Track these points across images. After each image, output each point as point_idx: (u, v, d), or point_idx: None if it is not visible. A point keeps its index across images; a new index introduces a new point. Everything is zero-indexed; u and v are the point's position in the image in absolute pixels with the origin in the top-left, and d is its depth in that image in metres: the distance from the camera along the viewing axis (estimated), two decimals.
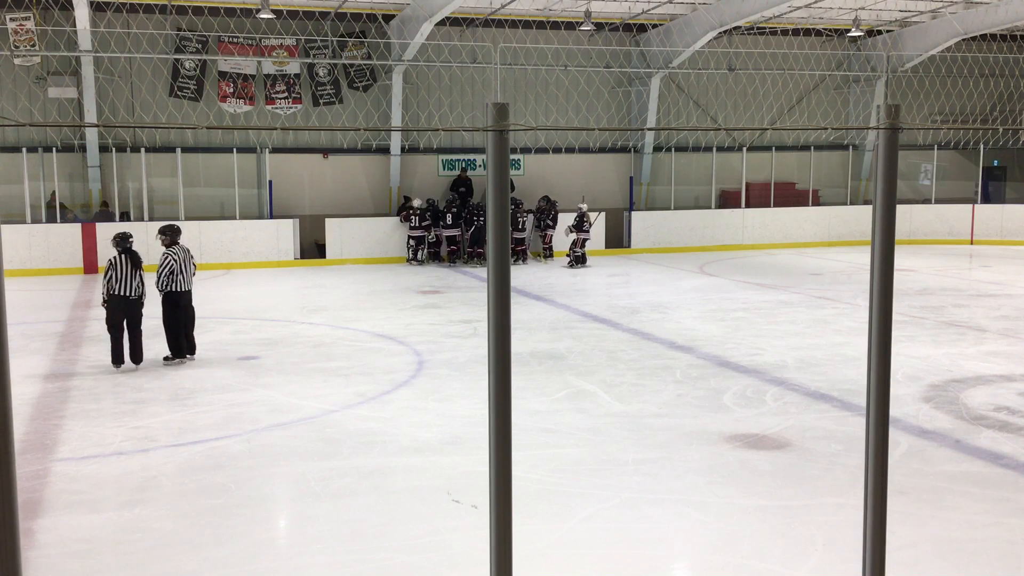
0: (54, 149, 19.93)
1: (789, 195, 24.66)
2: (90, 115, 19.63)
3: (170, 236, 10.57)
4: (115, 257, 10.09)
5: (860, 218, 24.48)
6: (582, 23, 21.23)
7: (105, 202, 20.23)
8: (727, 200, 24.47)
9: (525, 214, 21.30)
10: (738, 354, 10.78)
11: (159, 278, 10.38)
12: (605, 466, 6.90)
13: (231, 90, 20.91)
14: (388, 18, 21.42)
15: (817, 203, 24.86)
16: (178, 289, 10.45)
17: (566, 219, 21.17)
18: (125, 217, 20.29)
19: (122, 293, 10.02)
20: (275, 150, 21.31)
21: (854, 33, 22.48)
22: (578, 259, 20.02)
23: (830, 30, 24.45)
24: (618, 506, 6.12)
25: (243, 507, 6.19)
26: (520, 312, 13.79)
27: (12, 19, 18.84)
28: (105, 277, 10.11)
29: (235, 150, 20.83)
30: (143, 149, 20.26)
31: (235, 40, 20.61)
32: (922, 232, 24.40)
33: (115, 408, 8.68)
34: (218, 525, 5.88)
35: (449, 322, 13.16)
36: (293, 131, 21.20)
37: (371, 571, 5.24)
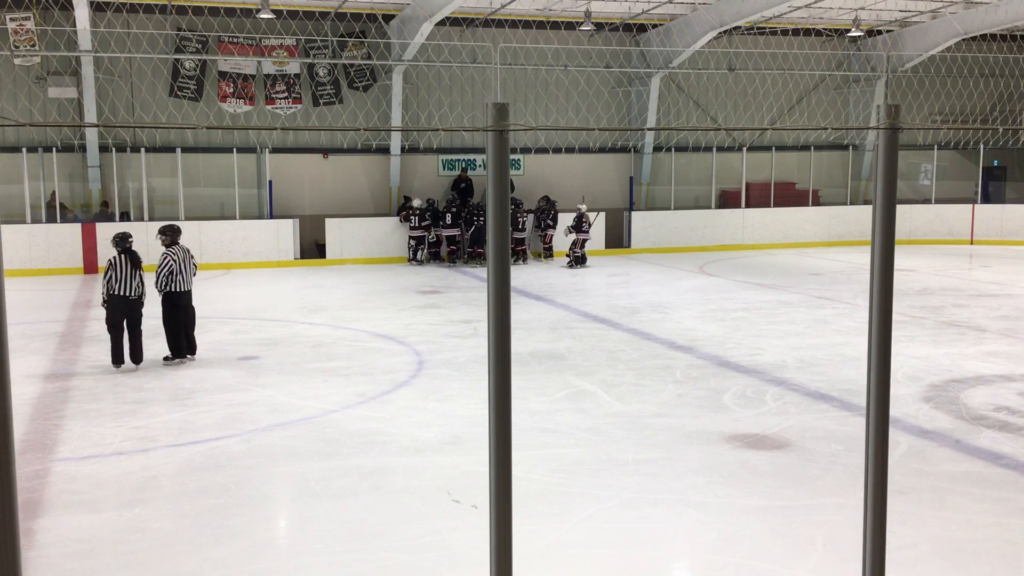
0: (54, 149, 19.93)
1: (789, 195, 24.66)
2: (90, 115, 19.63)
3: (170, 236, 10.57)
4: (115, 257, 10.09)
5: (860, 218, 24.48)
6: (582, 23, 21.23)
7: (105, 202, 20.23)
8: (727, 200, 24.47)
9: (525, 214, 21.30)
10: (738, 354, 10.78)
11: (158, 278, 10.38)
12: (605, 466, 6.90)
13: (231, 90, 20.91)
14: (388, 18, 21.42)
15: (817, 203, 24.86)
16: (178, 289, 10.45)
17: (566, 219, 21.18)
18: (125, 217, 20.29)
19: (122, 293, 10.02)
20: (275, 150, 21.31)
21: (854, 33, 22.48)
22: (577, 259, 20.01)
23: (830, 30, 24.45)
24: (618, 506, 6.12)
25: (243, 507, 6.19)
26: (520, 312, 13.79)
27: (12, 19, 18.85)
28: (105, 277, 10.11)
29: (235, 150, 20.83)
30: (143, 149, 20.26)
31: (235, 40, 20.61)
32: (922, 232, 24.40)
33: (115, 408, 8.69)
34: (218, 525, 5.88)
35: (449, 322, 13.16)
36: (293, 131, 21.20)
37: (371, 571, 5.24)
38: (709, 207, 24.23)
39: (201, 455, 7.23)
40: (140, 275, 10.18)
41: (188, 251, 10.62)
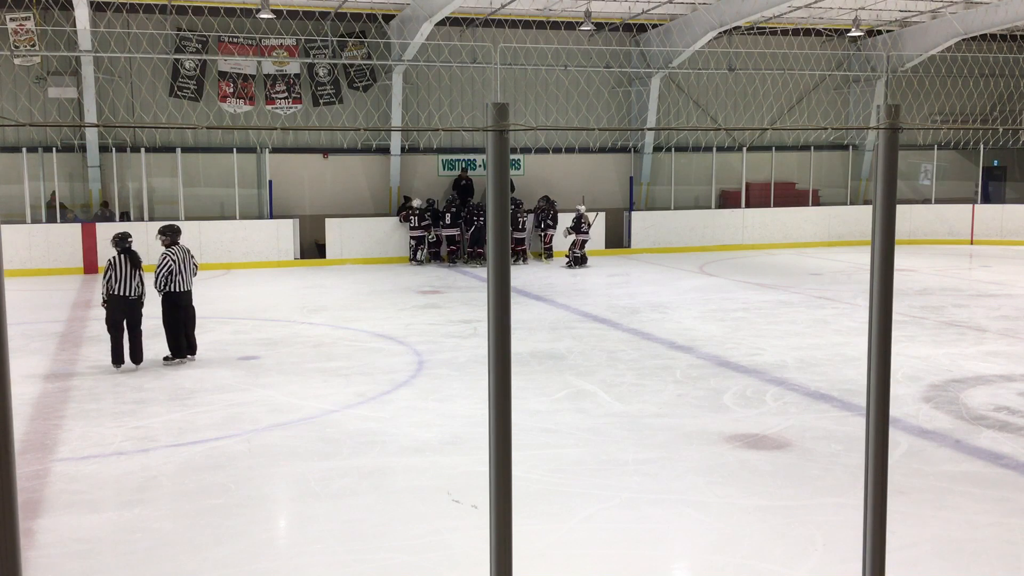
0: (54, 149, 19.93)
1: (789, 195, 24.66)
2: (90, 115, 19.63)
3: (170, 236, 10.56)
4: (114, 257, 10.09)
5: (860, 218, 24.48)
6: (582, 23, 21.24)
7: (105, 202, 20.23)
8: (727, 200, 24.47)
9: (525, 214, 21.31)
10: (738, 354, 10.78)
11: (157, 279, 10.37)
12: (605, 466, 6.90)
13: (231, 90, 20.91)
14: (388, 18, 21.42)
15: (817, 203, 24.86)
16: (177, 289, 10.45)
17: (565, 219, 21.18)
18: (125, 217, 20.30)
19: (122, 293, 10.02)
20: (275, 150, 21.31)
21: (854, 33, 22.48)
22: (577, 259, 20.01)
23: (830, 30, 24.45)
24: (618, 506, 6.12)
25: (243, 507, 6.19)
26: (520, 312, 13.79)
27: (12, 19, 18.85)
28: (105, 277, 10.11)
29: (235, 150, 20.83)
30: (143, 149, 20.27)
31: (235, 40, 20.61)
32: (922, 232, 24.40)
33: (115, 408, 8.69)
34: (218, 525, 5.88)
35: (449, 322, 13.16)
36: (293, 131, 21.20)
37: (371, 571, 5.24)
38: (709, 207, 24.23)
39: (201, 455, 7.23)
40: (140, 275, 10.18)
41: (188, 251, 10.62)
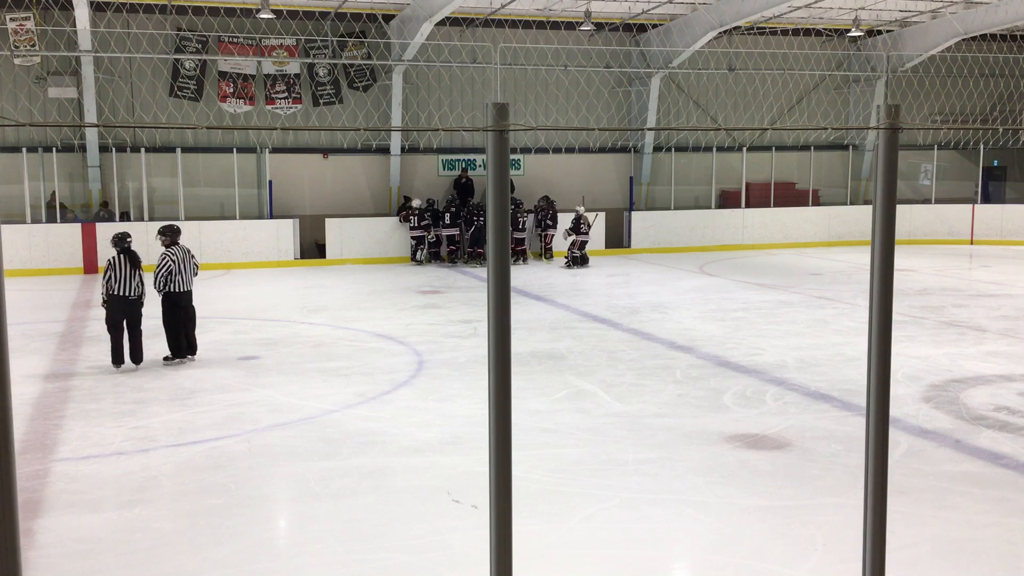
0: (54, 149, 19.93)
1: (789, 195, 24.67)
2: (90, 115, 19.63)
3: (170, 236, 10.56)
4: (114, 257, 10.09)
5: (860, 218, 24.48)
6: (582, 23, 21.24)
7: (105, 202, 20.23)
8: (727, 200, 24.47)
9: (525, 214, 21.31)
10: (738, 354, 10.78)
11: (156, 279, 10.37)
12: (605, 466, 6.90)
13: (231, 90, 20.91)
14: (388, 18, 21.42)
15: (817, 203, 24.87)
16: (177, 289, 10.44)
17: (564, 219, 21.17)
18: (125, 217, 20.30)
19: (121, 293, 10.02)
20: (275, 150, 21.31)
21: (854, 33, 22.48)
22: (575, 260, 20.00)
23: (830, 30, 24.45)
24: (618, 506, 6.12)
25: (243, 507, 6.19)
26: (520, 312, 13.79)
27: (12, 19, 18.85)
28: (104, 277, 10.11)
29: (235, 150, 20.83)
30: (143, 149, 20.27)
31: (235, 40, 20.61)
32: (922, 232, 24.40)
33: (115, 408, 8.69)
34: (218, 525, 5.88)
35: (449, 322, 13.16)
36: (293, 131, 21.21)
37: (371, 571, 5.24)
38: (709, 207, 24.23)
39: (201, 455, 7.23)
40: (140, 275, 10.18)
41: (188, 251, 10.61)
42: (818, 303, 14.56)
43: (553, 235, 21.58)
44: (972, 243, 24.23)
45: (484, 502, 5.99)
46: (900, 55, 24.26)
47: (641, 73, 23.51)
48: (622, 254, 22.69)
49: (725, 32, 22.52)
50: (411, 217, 20.78)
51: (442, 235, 21.17)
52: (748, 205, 24.08)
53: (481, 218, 20.84)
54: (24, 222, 19.16)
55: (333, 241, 21.01)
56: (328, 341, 11.85)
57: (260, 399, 8.94)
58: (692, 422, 8.02)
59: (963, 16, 22.15)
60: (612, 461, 7.01)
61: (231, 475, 6.77)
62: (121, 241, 10.21)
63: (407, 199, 21.59)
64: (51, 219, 19.54)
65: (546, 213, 21.68)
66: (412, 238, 20.86)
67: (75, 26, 19.03)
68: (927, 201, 25.32)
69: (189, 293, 10.56)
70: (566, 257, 20.31)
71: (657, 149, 24.10)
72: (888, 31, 24.51)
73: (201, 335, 11.19)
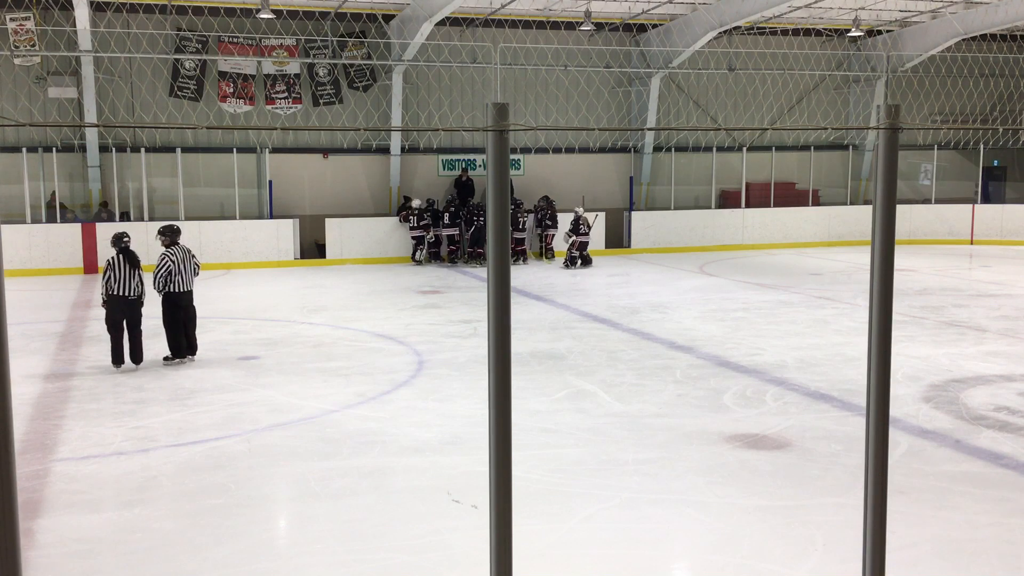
0: (54, 149, 19.94)
1: (789, 195, 24.67)
2: (90, 115, 19.63)
3: (170, 237, 10.56)
4: (112, 257, 10.09)
5: (860, 218, 24.48)
6: (582, 23, 21.23)
7: (105, 202, 20.23)
8: (727, 200, 24.47)
9: (525, 214, 21.31)
10: (738, 354, 10.78)
11: (156, 279, 10.37)
12: (605, 466, 6.90)
13: (231, 90, 20.91)
14: (388, 18, 21.42)
15: (817, 203, 24.87)
16: (177, 289, 10.44)
17: (564, 218, 21.16)
18: (125, 217, 20.30)
19: (121, 293, 10.02)
20: (275, 150, 21.31)
21: (854, 33, 22.48)
22: (573, 260, 19.98)
23: (830, 30, 24.45)
24: (618, 506, 6.12)
25: (243, 507, 6.19)
26: (520, 312, 13.79)
27: (12, 19, 18.85)
28: (104, 277, 10.11)
29: (235, 150, 20.83)
30: (143, 149, 20.27)
31: (235, 40, 20.61)
32: (922, 232, 24.40)
33: (115, 408, 8.69)
34: (218, 525, 5.88)
35: (449, 322, 13.16)
36: (293, 131, 21.21)
37: (371, 571, 5.24)
38: (709, 207, 24.23)
39: (201, 455, 7.23)
40: (139, 275, 10.18)
41: (189, 251, 10.60)
42: (818, 303, 14.56)
43: (553, 235, 21.58)
44: (972, 243, 24.23)
45: (484, 502, 5.99)
46: (900, 55, 24.26)
47: (641, 73, 23.51)
48: (622, 254, 22.69)
49: (725, 32, 22.52)
50: (411, 217, 20.78)
51: (442, 235, 21.17)
52: (748, 205, 24.08)
53: (481, 218, 20.84)
54: (24, 222, 19.16)
55: (333, 241, 21.01)
56: (328, 341, 11.85)
57: (260, 399, 8.94)
58: (692, 422, 8.02)
59: (963, 16, 22.15)
60: (612, 461, 7.01)
61: (231, 475, 6.77)
62: (118, 241, 10.21)
63: (407, 199, 21.60)
64: (51, 219, 19.54)
65: (546, 213, 21.68)
66: (412, 238, 20.86)
67: (75, 26, 19.03)
68: (927, 201, 25.32)
69: (190, 293, 10.56)
70: (565, 257, 20.31)
71: (657, 149, 24.10)
72: (888, 31, 24.51)
73: (201, 335, 11.19)
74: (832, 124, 24.92)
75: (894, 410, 7.48)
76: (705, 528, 5.77)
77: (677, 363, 10.35)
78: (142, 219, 19.71)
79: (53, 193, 19.85)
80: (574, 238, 20.01)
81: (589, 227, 20.39)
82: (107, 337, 10.25)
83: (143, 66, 20.40)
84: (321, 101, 21.53)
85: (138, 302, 10.19)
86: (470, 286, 17.24)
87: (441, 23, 20.65)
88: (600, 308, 14.32)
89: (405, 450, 7.33)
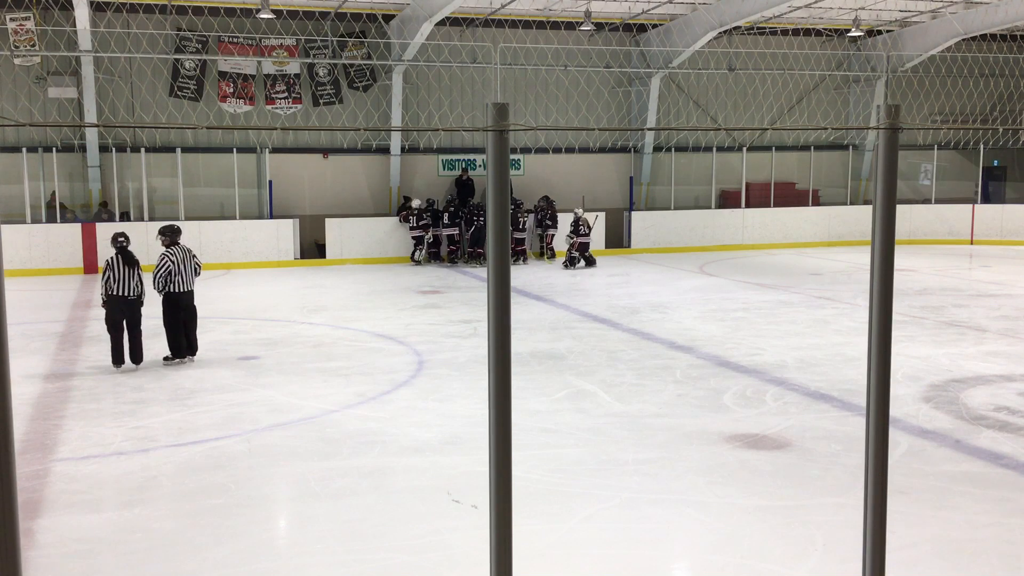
0: (54, 149, 19.94)
1: (789, 195, 24.67)
2: (90, 115, 19.63)
3: (170, 237, 10.55)
4: (111, 258, 10.09)
5: (860, 218, 24.48)
6: (582, 23, 21.23)
7: (105, 202, 20.23)
8: (727, 200, 24.47)
9: (525, 214, 21.31)
10: (738, 354, 10.78)
11: (155, 279, 10.36)
12: (605, 466, 6.90)
13: (231, 90, 20.91)
14: (388, 18, 21.42)
15: (817, 203, 24.87)
16: (177, 290, 10.43)
17: (564, 218, 21.16)
18: (125, 217, 20.30)
19: (120, 293, 10.02)
20: (275, 150, 21.31)
21: (854, 33, 22.48)
22: (573, 260, 19.98)
23: (830, 30, 24.45)
24: (618, 506, 6.12)
25: (243, 507, 6.19)
26: (520, 312, 13.79)
27: (12, 19, 18.85)
28: (103, 278, 10.11)
29: (235, 150, 20.83)
30: (143, 149, 20.27)
31: (235, 40, 20.61)
32: (922, 232, 24.40)
33: (115, 408, 8.69)
34: (218, 525, 5.88)
35: (449, 322, 13.16)
36: (293, 131, 21.21)
37: (371, 571, 5.24)
38: (709, 207, 24.23)
39: (201, 455, 7.23)
40: (139, 275, 10.18)
41: (189, 251, 10.60)
42: (818, 303, 14.56)
43: (553, 235, 21.57)
44: (972, 243, 24.23)
45: (484, 502, 5.99)
46: (900, 55, 24.26)
47: (641, 73, 23.51)
48: (622, 254, 22.69)
49: (725, 32, 22.52)
50: (411, 217, 20.78)
51: (442, 235, 21.17)
52: (748, 205, 24.08)
53: (481, 218, 20.83)
54: (24, 222, 19.16)
55: (333, 241, 21.01)
56: (328, 341, 11.85)
57: (260, 399, 8.94)
58: (692, 422, 8.02)
59: (963, 16, 22.15)
60: (612, 461, 7.01)
61: (231, 475, 6.77)
62: (115, 241, 10.21)
63: (407, 199, 21.59)
64: (51, 219, 19.54)
65: (546, 213, 21.68)
66: (412, 238, 20.86)
67: (75, 26, 19.03)
68: (927, 201, 25.32)
69: (190, 293, 10.56)
70: (565, 258, 20.30)
71: (657, 149, 24.10)
72: (888, 31, 24.51)
73: (201, 335, 11.19)
74: (832, 124, 24.91)
75: (894, 410, 7.48)
76: (705, 528, 5.77)
77: (677, 363, 10.35)
78: (142, 219, 19.71)
79: (53, 193, 19.85)
80: (574, 239, 20.00)
81: (589, 228, 20.38)
82: (107, 337, 10.25)
83: (143, 66, 20.40)
84: (321, 101, 21.53)
85: (138, 302, 10.19)
86: (470, 286, 17.24)
87: (441, 23, 20.65)
88: (600, 308, 14.32)
89: (405, 450, 7.33)
